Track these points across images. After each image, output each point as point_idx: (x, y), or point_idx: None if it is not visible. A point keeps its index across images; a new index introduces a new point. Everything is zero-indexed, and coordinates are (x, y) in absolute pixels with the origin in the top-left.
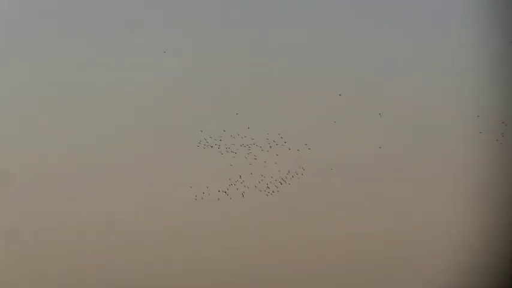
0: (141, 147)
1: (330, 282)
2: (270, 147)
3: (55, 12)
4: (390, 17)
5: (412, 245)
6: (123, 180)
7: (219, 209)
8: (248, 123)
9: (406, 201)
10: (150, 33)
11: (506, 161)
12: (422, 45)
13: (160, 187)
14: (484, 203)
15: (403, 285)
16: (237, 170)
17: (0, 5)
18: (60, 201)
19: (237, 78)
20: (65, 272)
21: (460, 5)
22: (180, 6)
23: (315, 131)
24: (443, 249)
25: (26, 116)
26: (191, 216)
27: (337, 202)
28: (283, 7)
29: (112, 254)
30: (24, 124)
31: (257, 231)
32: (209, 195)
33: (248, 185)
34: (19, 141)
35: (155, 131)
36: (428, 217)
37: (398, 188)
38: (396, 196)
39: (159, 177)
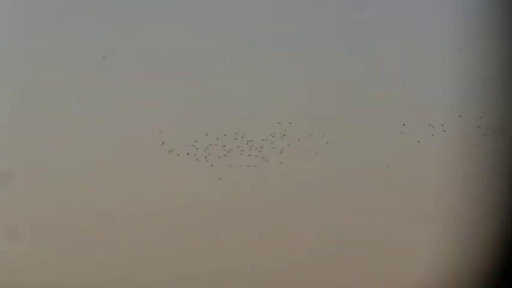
0: (141, 147)
1: (329, 281)
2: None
3: (55, 12)
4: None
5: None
6: (123, 180)
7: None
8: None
9: (406, 201)
10: (148, 33)
11: (507, 160)
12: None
13: (159, 187)
14: (484, 203)
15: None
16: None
17: (1, 5)
18: (60, 201)
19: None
20: (65, 272)
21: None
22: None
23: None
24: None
25: (27, 117)
26: (191, 217)
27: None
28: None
29: (112, 254)
30: (24, 124)
31: (257, 231)
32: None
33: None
34: (19, 141)
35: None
36: (428, 217)
37: (397, 188)
38: (396, 196)
39: (159, 177)
